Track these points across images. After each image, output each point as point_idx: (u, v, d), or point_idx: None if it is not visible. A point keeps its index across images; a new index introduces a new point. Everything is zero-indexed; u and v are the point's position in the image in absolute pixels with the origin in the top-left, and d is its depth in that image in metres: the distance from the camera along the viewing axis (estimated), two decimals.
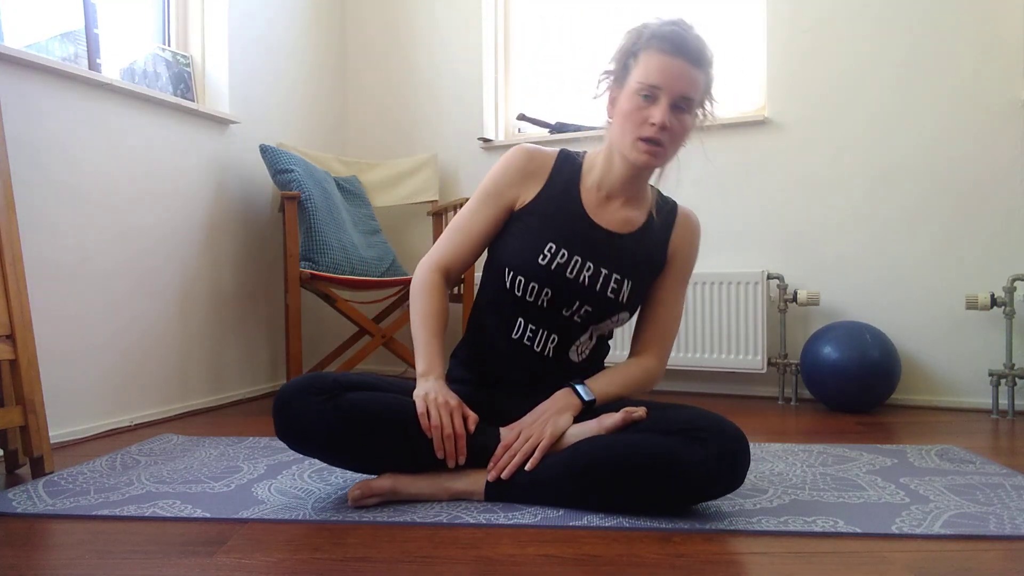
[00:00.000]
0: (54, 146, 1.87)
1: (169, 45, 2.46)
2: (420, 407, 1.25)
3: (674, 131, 1.26)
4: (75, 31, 2.03)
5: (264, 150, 2.47)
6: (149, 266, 2.18)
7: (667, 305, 1.42)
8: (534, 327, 1.36)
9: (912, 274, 2.38)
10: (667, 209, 1.44)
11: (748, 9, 2.64)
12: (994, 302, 2.18)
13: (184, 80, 2.43)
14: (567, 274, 1.32)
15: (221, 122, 2.48)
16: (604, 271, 1.34)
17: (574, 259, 1.33)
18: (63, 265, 1.89)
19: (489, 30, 3.00)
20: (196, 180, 2.37)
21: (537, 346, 1.37)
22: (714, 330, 2.51)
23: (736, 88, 2.68)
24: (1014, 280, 2.16)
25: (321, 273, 2.37)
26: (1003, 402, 2.21)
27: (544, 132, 2.90)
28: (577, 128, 2.83)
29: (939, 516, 1.21)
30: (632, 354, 1.44)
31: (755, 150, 2.57)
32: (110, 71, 2.17)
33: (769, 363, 2.47)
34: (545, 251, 1.33)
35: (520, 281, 1.33)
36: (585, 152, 1.43)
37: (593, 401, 1.32)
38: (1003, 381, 2.18)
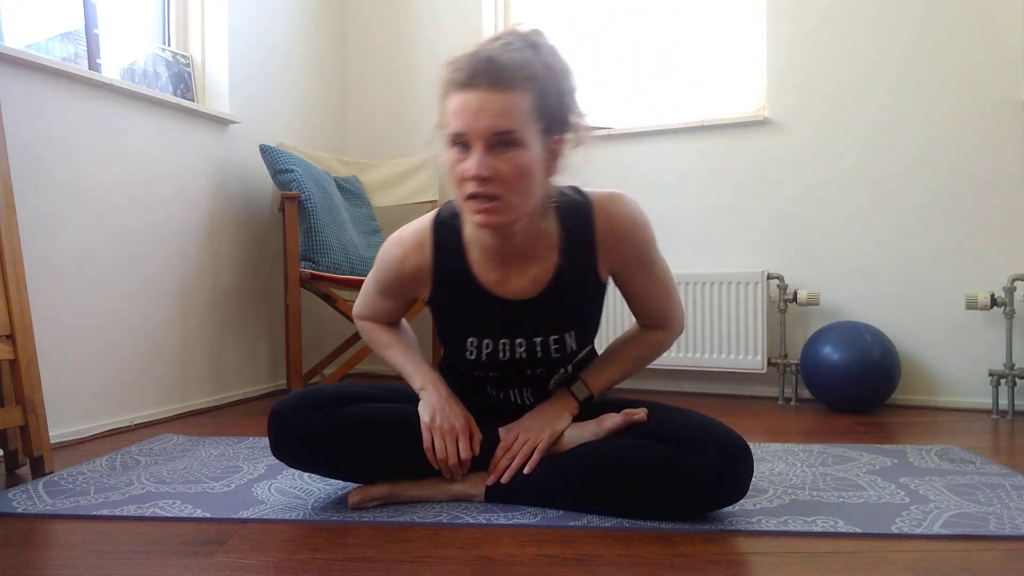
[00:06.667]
0: (54, 146, 1.87)
1: (169, 45, 2.46)
2: (426, 440, 1.24)
3: (504, 175, 1.05)
4: (75, 31, 2.03)
5: (264, 150, 2.47)
6: (149, 266, 2.18)
7: (650, 290, 1.27)
8: (501, 390, 1.33)
9: (912, 274, 2.38)
10: (580, 224, 1.19)
11: (748, 9, 2.64)
12: (994, 302, 2.18)
13: (184, 80, 2.43)
14: (500, 358, 1.25)
15: (221, 122, 2.48)
16: (537, 339, 1.23)
17: (500, 344, 1.24)
18: (63, 265, 1.89)
19: (489, 30, 2.99)
20: (196, 180, 2.37)
21: (516, 399, 1.34)
22: (714, 330, 2.50)
23: (736, 88, 2.68)
24: (1014, 280, 2.16)
25: (321, 273, 2.37)
26: (1003, 402, 2.20)
27: None
28: None
29: (939, 516, 1.20)
30: (639, 325, 1.35)
31: (755, 150, 2.56)
32: (110, 71, 2.17)
33: (769, 363, 2.47)
34: (469, 347, 1.25)
35: (465, 366, 1.30)
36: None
37: (590, 397, 1.31)
38: (1003, 381, 2.18)
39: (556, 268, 1.20)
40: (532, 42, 1.09)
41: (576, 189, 1.22)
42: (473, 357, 1.27)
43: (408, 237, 1.27)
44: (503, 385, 1.33)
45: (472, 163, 1.05)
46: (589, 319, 1.28)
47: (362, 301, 1.40)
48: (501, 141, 1.05)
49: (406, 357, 1.36)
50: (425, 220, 1.27)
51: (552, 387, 1.33)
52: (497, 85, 1.03)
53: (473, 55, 1.06)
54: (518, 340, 1.24)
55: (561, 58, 1.12)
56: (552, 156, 1.12)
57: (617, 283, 1.28)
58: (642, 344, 1.34)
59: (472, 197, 1.07)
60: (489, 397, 1.35)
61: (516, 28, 1.12)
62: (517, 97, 1.04)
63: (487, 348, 1.25)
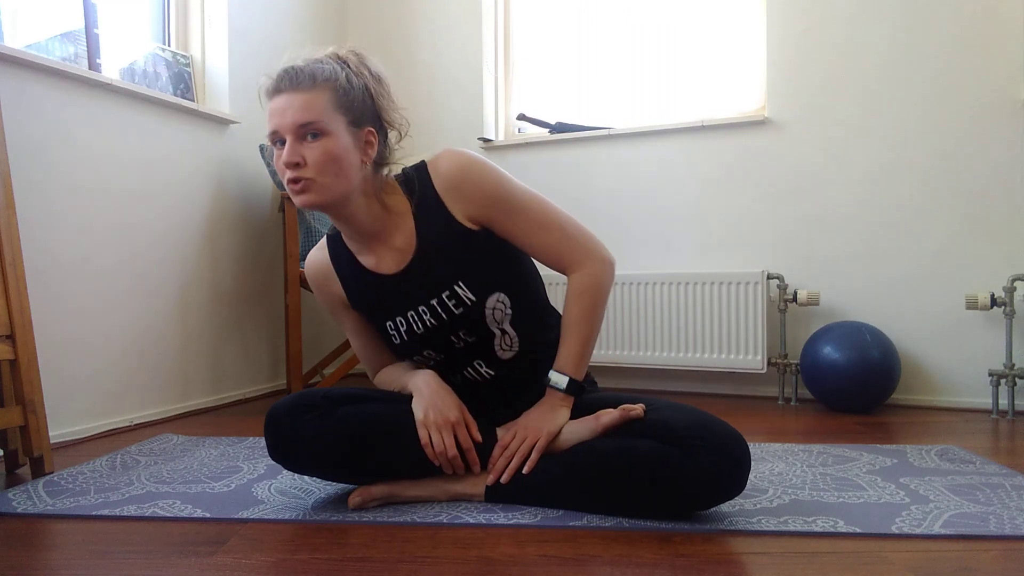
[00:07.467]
0: (54, 146, 1.87)
1: (169, 45, 2.46)
2: (423, 436, 1.24)
3: (312, 160, 1.17)
4: (75, 31, 2.03)
5: (264, 150, 2.47)
6: (149, 266, 2.18)
7: (526, 229, 1.27)
8: (459, 372, 1.34)
9: (912, 274, 2.38)
10: (421, 187, 1.28)
11: (748, 9, 2.64)
12: (994, 302, 2.18)
13: (184, 80, 2.43)
14: (417, 331, 1.30)
15: (221, 122, 2.48)
16: (433, 302, 1.27)
17: (409, 317, 1.30)
18: (63, 265, 1.89)
19: (489, 30, 3.00)
20: (196, 180, 2.37)
21: (476, 377, 1.34)
22: (714, 330, 2.50)
23: (736, 88, 2.68)
24: (1014, 280, 2.16)
25: None
26: (1003, 402, 2.20)
27: (544, 132, 2.90)
28: (577, 128, 2.83)
29: (939, 516, 1.20)
30: (567, 278, 1.32)
31: (755, 150, 2.57)
32: (110, 71, 2.18)
33: (769, 363, 2.47)
34: (391, 332, 1.32)
35: (401, 354, 1.38)
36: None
37: (572, 381, 1.28)
38: (1003, 381, 2.18)
39: (415, 232, 1.28)
40: (341, 58, 1.25)
41: (419, 163, 1.32)
42: (399, 342, 1.33)
43: (314, 249, 1.42)
44: (454, 365, 1.33)
45: (284, 154, 1.19)
46: (478, 266, 1.27)
47: (362, 361, 1.47)
48: (308, 132, 1.17)
49: (400, 372, 1.38)
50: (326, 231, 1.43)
51: (501, 353, 1.31)
52: (298, 86, 1.18)
53: (281, 68, 1.21)
54: (420, 308, 1.29)
55: (373, 70, 1.27)
56: (368, 145, 1.24)
57: (502, 237, 1.28)
58: (576, 298, 1.29)
59: (288, 182, 1.20)
60: (455, 383, 1.34)
61: (336, 50, 1.27)
62: (316, 94, 1.18)
63: (403, 327, 1.31)
